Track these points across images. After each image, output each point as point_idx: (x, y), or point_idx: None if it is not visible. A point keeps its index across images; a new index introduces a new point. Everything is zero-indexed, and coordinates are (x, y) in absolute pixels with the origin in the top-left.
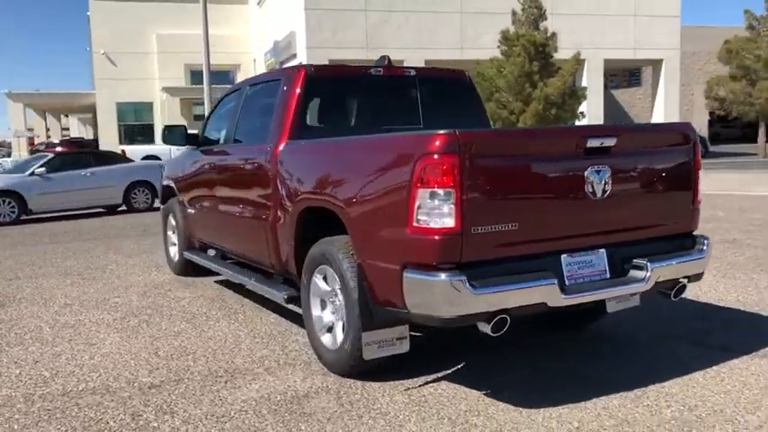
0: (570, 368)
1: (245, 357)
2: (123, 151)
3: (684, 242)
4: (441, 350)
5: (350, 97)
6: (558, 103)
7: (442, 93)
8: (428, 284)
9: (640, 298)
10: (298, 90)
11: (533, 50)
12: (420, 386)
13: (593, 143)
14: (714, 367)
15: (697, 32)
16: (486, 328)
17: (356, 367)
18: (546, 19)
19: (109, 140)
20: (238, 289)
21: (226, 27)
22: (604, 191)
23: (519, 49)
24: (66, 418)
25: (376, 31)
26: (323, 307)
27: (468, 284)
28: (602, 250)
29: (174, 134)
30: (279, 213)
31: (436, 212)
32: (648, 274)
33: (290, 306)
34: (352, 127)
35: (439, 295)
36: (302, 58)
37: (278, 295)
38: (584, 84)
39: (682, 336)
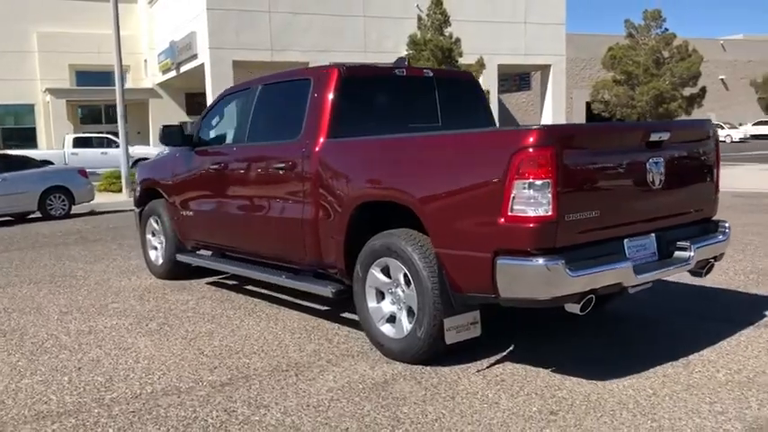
0: (614, 344)
1: (298, 352)
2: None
3: (708, 226)
4: (487, 336)
5: (378, 96)
6: None
7: (454, 92)
8: (526, 269)
9: None
10: (332, 89)
11: (441, 55)
12: (488, 368)
13: (654, 137)
14: (733, 336)
15: (572, 40)
16: (574, 307)
17: (428, 353)
18: (450, 25)
19: None
20: (238, 289)
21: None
22: (660, 180)
23: (427, 54)
24: (158, 419)
25: (281, 32)
26: (380, 298)
27: (566, 268)
28: (652, 234)
29: (172, 134)
30: (322, 209)
31: (533, 202)
32: (692, 254)
33: (306, 302)
34: (380, 125)
35: (537, 279)
36: (204, 59)
37: (324, 290)
38: None
39: (690, 312)
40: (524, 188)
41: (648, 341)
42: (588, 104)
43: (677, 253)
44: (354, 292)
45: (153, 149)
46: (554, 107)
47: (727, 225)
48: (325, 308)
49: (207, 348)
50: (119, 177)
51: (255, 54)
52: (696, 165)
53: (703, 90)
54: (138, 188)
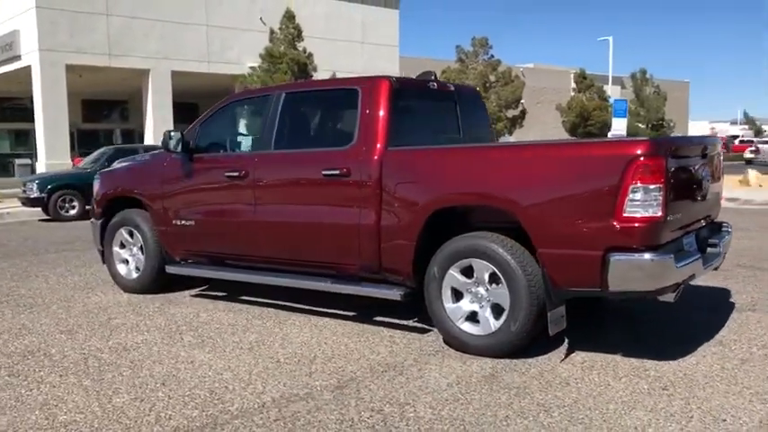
0: (644, 332)
1: (375, 355)
2: None
3: (714, 226)
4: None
5: (417, 107)
6: None
7: (468, 105)
8: (639, 264)
9: None
10: (386, 98)
11: (296, 68)
12: (567, 357)
13: (707, 150)
14: (729, 321)
15: (401, 63)
16: (669, 296)
17: (518, 346)
18: (303, 40)
19: None
20: (237, 300)
21: None
22: (705, 186)
23: (284, 67)
24: (313, 423)
25: (120, 37)
26: (457, 298)
27: (675, 261)
28: (694, 234)
29: (174, 139)
30: (386, 214)
31: (646, 204)
32: (722, 249)
33: (330, 310)
34: (420, 134)
35: (648, 272)
36: (31, 61)
37: (392, 294)
38: None
39: (691, 305)
40: (639, 192)
41: (670, 330)
42: None
43: (709, 249)
44: (428, 294)
45: None
46: None
47: (729, 225)
48: (353, 313)
49: (280, 357)
50: None
51: (92, 58)
52: (715, 173)
53: (524, 112)
54: (101, 199)
